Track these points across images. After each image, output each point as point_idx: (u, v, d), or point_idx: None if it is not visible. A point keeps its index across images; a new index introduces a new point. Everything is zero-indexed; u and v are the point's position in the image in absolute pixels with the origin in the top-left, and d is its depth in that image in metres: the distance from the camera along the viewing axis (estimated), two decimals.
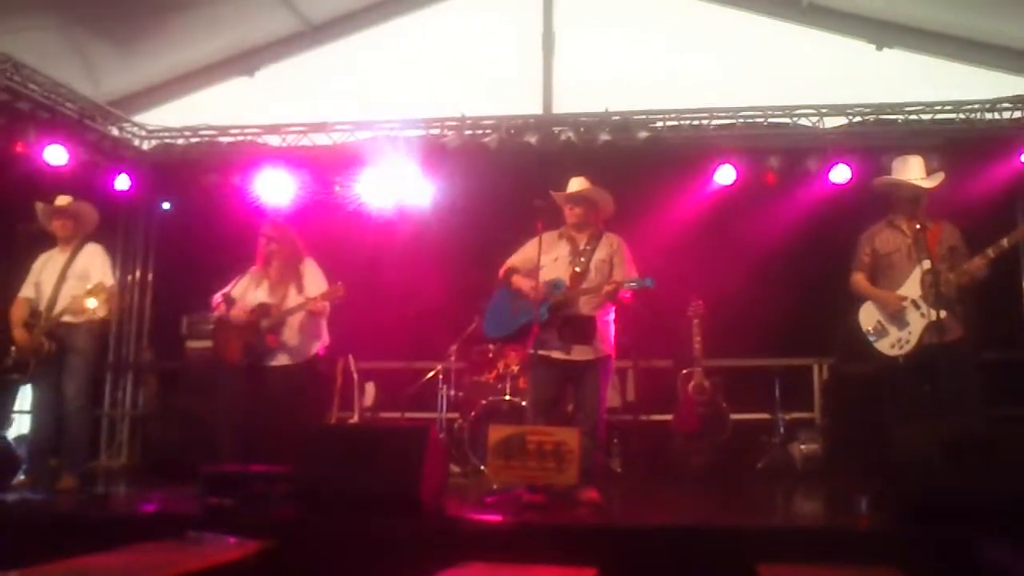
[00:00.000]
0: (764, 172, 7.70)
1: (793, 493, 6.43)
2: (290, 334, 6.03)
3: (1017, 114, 7.58)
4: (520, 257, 5.71)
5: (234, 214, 7.83)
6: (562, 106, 8.41)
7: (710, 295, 7.34)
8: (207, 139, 8.61)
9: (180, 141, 8.69)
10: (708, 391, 7.25)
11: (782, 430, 7.56)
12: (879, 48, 8.11)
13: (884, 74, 8.01)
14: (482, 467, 6.71)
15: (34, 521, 4.63)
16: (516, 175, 7.68)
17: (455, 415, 7.60)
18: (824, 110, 7.76)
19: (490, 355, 7.55)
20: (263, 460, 4.95)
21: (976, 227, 5.59)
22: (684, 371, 7.34)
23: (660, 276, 5.33)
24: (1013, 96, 7.56)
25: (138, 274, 9.46)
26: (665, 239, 7.46)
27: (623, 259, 5.55)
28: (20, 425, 7.19)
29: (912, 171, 5.60)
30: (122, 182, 8.26)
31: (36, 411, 6.15)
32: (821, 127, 7.79)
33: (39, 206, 6.26)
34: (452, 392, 7.72)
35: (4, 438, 6.31)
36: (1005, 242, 5.18)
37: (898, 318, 5.36)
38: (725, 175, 7.75)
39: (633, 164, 7.58)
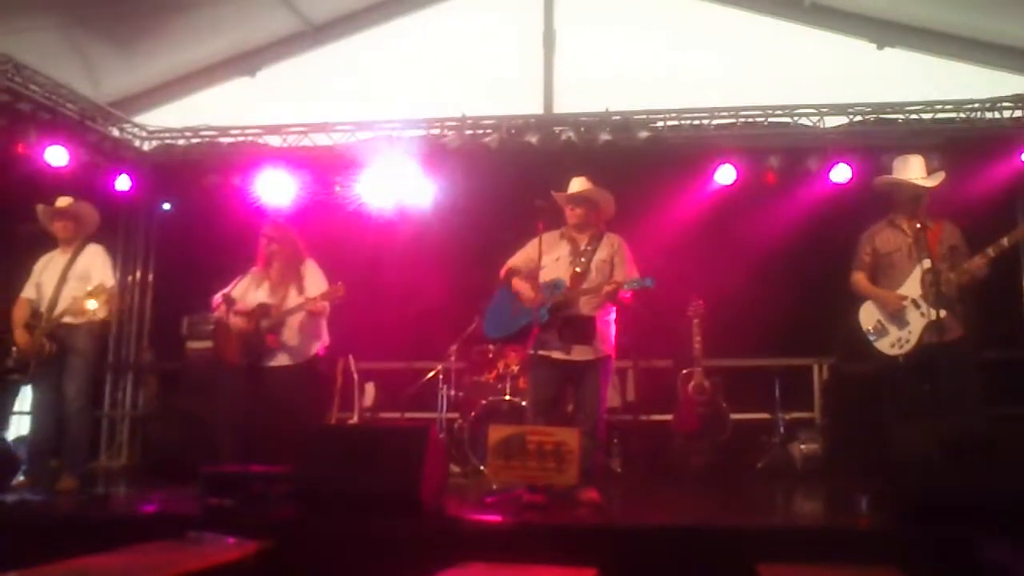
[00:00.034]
0: (765, 172, 7.70)
1: (793, 493, 6.43)
2: (290, 334, 6.03)
3: (1018, 113, 7.57)
4: (521, 257, 5.71)
5: (235, 215, 7.83)
6: (563, 106, 8.41)
7: (710, 295, 7.33)
8: (208, 140, 8.61)
9: (181, 142, 8.69)
10: (708, 391, 7.24)
11: (782, 430, 7.56)
12: (880, 47, 8.11)
13: (885, 73, 8.00)
14: (482, 467, 6.71)
15: (34, 522, 4.64)
16: (517, 175, 7.68)
17: (455, 415, 7.60)
18: (825, 109, 7.76)
19: (490, 355, 7.55)
20: (263, 460, 4.95)
21: (977, 226, 5.59)
22: (684, 371, 7.34)
23: (660, 276, 5.32)
24: (1013, 95, 7.55)
25: (138, 275, 9.47)
26: (665, 239, 7.46)
27: (624, 259, 5.55)
28: (20, 426, 7.19)
29: (913, 170, 5.60)
30: (123, 183, 8.27)
31: (36, 412, 6.15)
32: (822, 126, 7.79)
33: (40, 207, 6.27)
34: (452, 392, 7.72)
35: (4, 439, 6.32)
36: (1005, 241, 5.18)
37: (898, 317, 5.36)
38: (725, 175, 7.75)
39: (634, 164, 7.58)
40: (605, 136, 7.74)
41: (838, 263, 5.87)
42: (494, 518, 4.45)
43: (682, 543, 3.97)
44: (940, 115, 7.65)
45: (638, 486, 6.88)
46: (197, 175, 8.32)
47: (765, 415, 7.67)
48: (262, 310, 6.04)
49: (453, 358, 7.75)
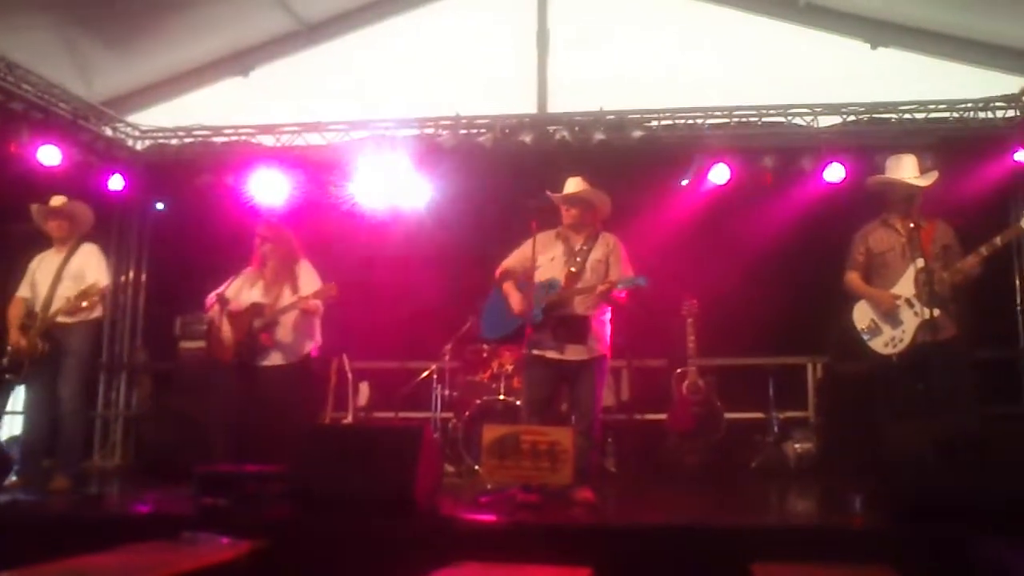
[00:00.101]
0: (758, 171, 7.71)
1: (787, 492, 6.43)
2: (283, 333, 6.02)
3: (1010, 113, 7.61)
4: (516, 258, 5.71)
5: (228, 214, 7.82)
6: (557, 105, 8.40)
7: (704, 294, 7.34)
8: (201, 139, 8.60)
9: (174, 141, 8.68)
10: (702, 390, 7.25)
11: (776, 429, 7.57)
12: (874, 47, 8.12)
13: (879, 73, 8.02)
14: (476, 467, 6.71)
15: (27, 522, 4.62)
16: (511, 174, 7.69)
17: (449, 415, 7.60)
18: (818, 109, 7.79)
19: (484, 355, 7.54)
20: (257, 460, 4.94)
21: (970, 225, 5.60)
22: (678, 370, 7.34)
23: (654, 275, 5.33)
24: (1006, 95, 7.59)
25: (132, 274, 9.44)
26: (659, 238, 7.46)
27: (619, 259, 5.55)
28: (12, 426, 7.17)
29: (906, 170, 5.60)
30: (116, 182, 8.26)
31: (30, 412, 6.13)
32: (815, 126, 7.82)
33: (34, 207, 6.25)
34: (446, 392, 7.72)
35: None
36: (998, 240, 5.19)
37: (892, 317, 5.37)
38: (719, 174, 7.76)
39: (627, 163, 7.59)
40: (599, 136, 7.75)
41: (832, 262, 5.87)
42: (488, 518, 4.44)
43: (677, 542, 3.97)
44: (933, 115, 7.69)
45: (632, 485, 6.88)
46: (190, 175, 8.32)
47: (759, 414, 7.68)
48: (255, 309, 6.02)
49: (447, 358, 7.75)
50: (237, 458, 5.22)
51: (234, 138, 8.55)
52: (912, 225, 5.33)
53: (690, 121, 7.98)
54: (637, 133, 7.78)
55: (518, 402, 6.82)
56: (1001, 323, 7.80)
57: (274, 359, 6.01)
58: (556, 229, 5.69)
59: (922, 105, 7.71)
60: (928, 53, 8.01)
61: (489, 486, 5.21)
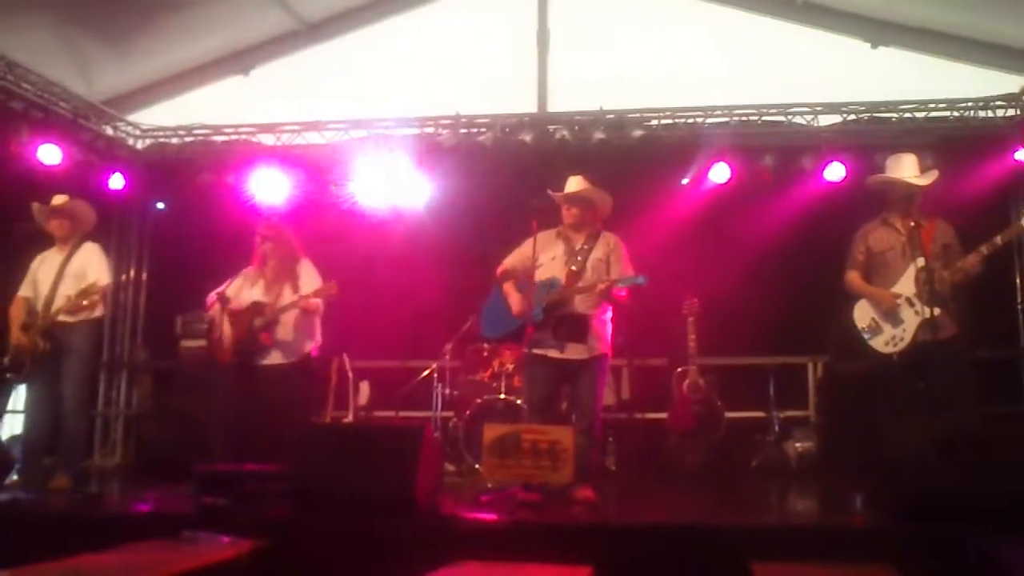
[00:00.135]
0: (759, 170, 7.71)
1: (788, 491, 6.43)
2: (284, 332, 6.02)
3: (1011, 112, 7.61)
4: (516, 257, 5.71)
5: (229, 213, 7.82)
6: (557, 104, 8.40)
7: (705, 293, 7.34)
8: (201, 138, 8.61)
9: (174, 140, 8.68)
10: (703, 389, 7.25)
11: (777, 428, 7.57)
12: (874, 46, 8.11)
13: (879, 72, 8.01)
14: (477, 466, 6.71)
15: (27, 521, 4.62)
16: (511, 174, 7.70)
17: (450, 414, 7.60)
18: (819, 108, 7.79)
19: (485, 354, 7.54)
20: (257, 459, 4.94)
21: (970, 224, 5.60)
22: (679, 369, 7.34)
23: (655, 274, 5.34)
24: (1006, 94, 7.59)
25: (132, 273, 9.44)
26: (660, 237, 7.46)
27: (620, 258, 5.55)
28: (13, 425, 7.17)
29: (906, 169, 5.60)
30: (116, 181, 8.26)
31: (31, 410, 6.13)
32: (816, 125, 7.82)
33: (36, 206, 6.24)
34: (447, 391, 7.72)
35: None
36: (999, 239, 5.19)
37: (892, 315, 5.37)
38: (720, 173, 7.76)
39: (628, 162, 7.58)
40: (599, 135, 7.75)
41: (832, 261, 5.87)
42: (489, 517, 4.44)
43: (677, 541, 3.97)
44: (933, 114, 7.69)
45: (633, 484, 6.88)
46: (191, 173, 8.32)
47: (760, 413, 7.68)
48: (256, 308, 6.02)
49: (448, 357, 7.75)
50: (237, 457, 5.22)
51: (234, 137, 8.55)
52: (912, 224, 5.33)
53: (690, 120, 7.98)
54: (637, 132, 7.77)
55: (519, 401, 6.83)
56: (1002, 322, 7.80)
57: (274, 358, 6.01)
58: (557, 228, 5.69)
59: (922, 104, 7.71)
60: (928, 52, 8.00)
61: (490, 485, 5.20)
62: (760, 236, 7.73)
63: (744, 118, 7.88)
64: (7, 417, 7.00)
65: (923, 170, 5.68)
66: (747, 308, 7.58)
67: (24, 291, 6.15)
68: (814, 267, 6.84)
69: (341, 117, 8.34)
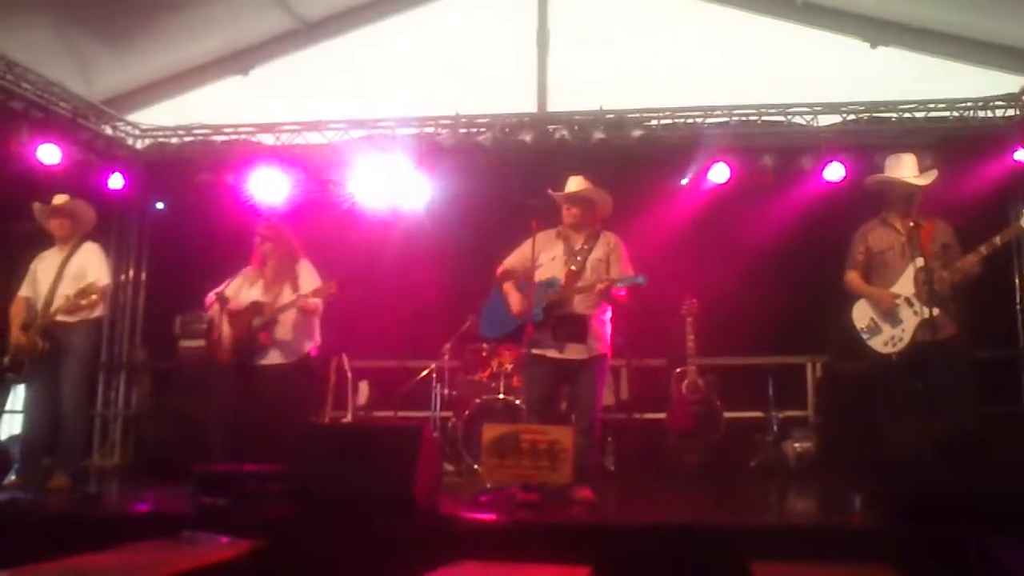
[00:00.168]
0: (758, 170, 7.71)
1: (787, 491, 6.43)
2: (283, 332, 6.02)
3: (1010, 112, 7.61)
4: (516, 258, 5.71)
5: (228, 213, 7.82)
6: (557, 104, 8.40)
7: (704, 293, 7.33)
8: (201, 138, 8.61)
9: (174, 140, 8.69)
10: (702, 389, 7.25)
11: (776, 428, 7.57)
12: (873, 46, 8.11)
13: (878, 72, 8.01)
14: (476, 466, 6.71)
15: (26, 520, 4.62)
16: (510, 173, 7.69)
17: (449, 414, 7.60)
18: (818, 108, 7.79)
19: (484, 354, 7.54)
20: (256, 459, 4.94)
21: (969, 225, 5.60)
22: (678, 369, 7.34)
23: (654, 274, 5.33)
24: (1006, 94, 7.60)
25: (131, 273, 9.45)
26: (659, 237, 7.46)
27: (620, 258, 5.55)
28: (12, 425, 7.17)
29: (905, 169, 5.60)
30: (116, 181, 8.26)
31: (30, 410, 6.12)
32: (815, 125, 7.82)
33: (36, 205, 6.23)
34: (446, 391, 7.72)
35: None
36: (998, 240, 5.18)
37: (891, 316, 5.37)
38: (719, 173, 7.76)
39: (627, 162, 7.59)
40: (599, 135, 7.76)
41: (831, 261, 5.87)
42: (488, 517, 4.44)
43: (676, 541, 3.97)
44: (933, 114, 7.70)
45: (632, 484, 6.88)
46: (190, 173, 8.33)
47: (759, 413, 7.68)
48: (255, 308, 6.02)
49: (447, 357, 7.75)
50: (236, 457, 5.22)
51: (234, 137, 8.55)
52: (912, 224, 5.32)
53: (690, 120, 7.98)
54: (637, 132, 7.78)
55: (518, 401, 6.83)
56: (1001, 322, 7.80)
57: (273, 358, 6.01)
58: (556, 228, 5.69)
59: (922, 104, 7.71)
60: (928, 52, 8.00)
61: (489, 485, 5.20)
62: (759, 236, 7.73)
63: (744, 118, 7.89)
64: (6, 417, 7.00)
65: (922, 170, 5.68)
66: (746, 308, 7.57)
67: (24, 291, 6.15)
68: (813, 267, 6.84)
69: (341, 117, 8.35)
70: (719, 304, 7.42)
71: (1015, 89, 7.56)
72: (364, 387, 7.97)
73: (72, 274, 6.01)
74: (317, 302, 5.97)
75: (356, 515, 4.25)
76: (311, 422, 6.72)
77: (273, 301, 6.02)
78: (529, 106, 8.42)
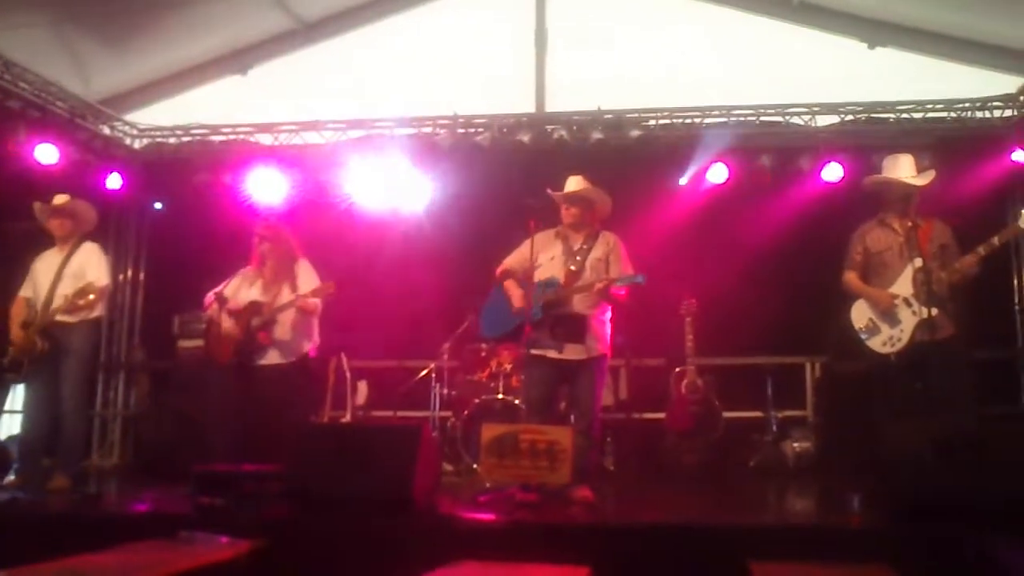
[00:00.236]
0: (757, 170, 7.72)
1: (785, 491, 6.43)
2: (282, 332, 6.01)
3: (1008, 113, 7.62)
4: (515, 258, 5.71)
5: (226, 213, 7.82)
6: (555, 105, 8.40)
7: (703, 293, 7.33)
8: (199, 138, 8.61)
9: (172, 140, 8.69)
10: (701, 389, 7.25)
11: (775, 428, 7.57)
12: (871, 47, 8.11)
13: (876, 73, 8.02)
14: (475, 466, 6.71)
15: (25, 521, 4.62)
16: (509, 174, 7.70)
17: (448, 414, 7.60)
18: (816, 109, 7.80)
19: (483, 354, 7.54)
20: (255, 459, 4.93)
21: (967, 225, 5.60)
22: (677, 369, 7.34)
23: (653, 274, 5.34)
24: (1004, 95, 7.61)
25: (130, 273, 9.45)
26: (657, 237, 7.45)
27: (619, 257, 5.55)
28: (11, 425, 7.17)
29: (903, 169, 5.60)
30: (113, 181, 8.26)
31: (29, 410, 6.12)
32: (813, 126, 7.83)
33: (37, 205, 6.22)
34: (445, 391, 7.72)
35: None
36: (996, 240, 5.19)
37: (890, 316, 5.37)
38: (717, 173, 7.77)
39: (625, 162, 7.59)
40: (597, 135, 7.77)
41: (830, 262, 5.87)
42: (487, 517, 4.44)
43: (675, 541, 3.97)
44: (931, 114, 7.71)
45: (631, 484, 6.88)
46: (188, 173, 8.33)
47: (758, 413, 7.69)
48: (253, 308, 6.02)
49: (446, 356, 7.75)
50: (235, 457, 5.21)
51: (232, 137, 8.55)
52: (909, 224, 5.33)
53: (688, 121, 7.99)
54: (635, 132, 7.79)
55: (517, 401, 6.83)
56: (999, 323, 7.81)
57: (272, 358, 6.01)
58: (556, 228, 5.69)
59: (920, 105, 7.72)
60: (926, 53, 8.01)
61: (488, 485, 5.20)
62: (758, 236, 7.73)
63: (742, 118, 7.89)
64: (6, 417, 7.00)
65: (920, 170, 5.68)
66: (745, 308, 7.57)
67: (25, 291, 6.14)
68: (812, 267, 6.85)
69: (339, 117, 8.35)
70: (718, 304, 7.42)
71: (1013, 89, 7.57)
72: (363, 387, 7.97)
73: (72, 274, 6.01)
74: (316, 302, 5.97)
75: (355, 515, 4.25)
76: (310, 422, 6.72)
77: (272, 301, 6.02)
78: (527, 106, 8.42)
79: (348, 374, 7.74)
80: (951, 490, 3.86)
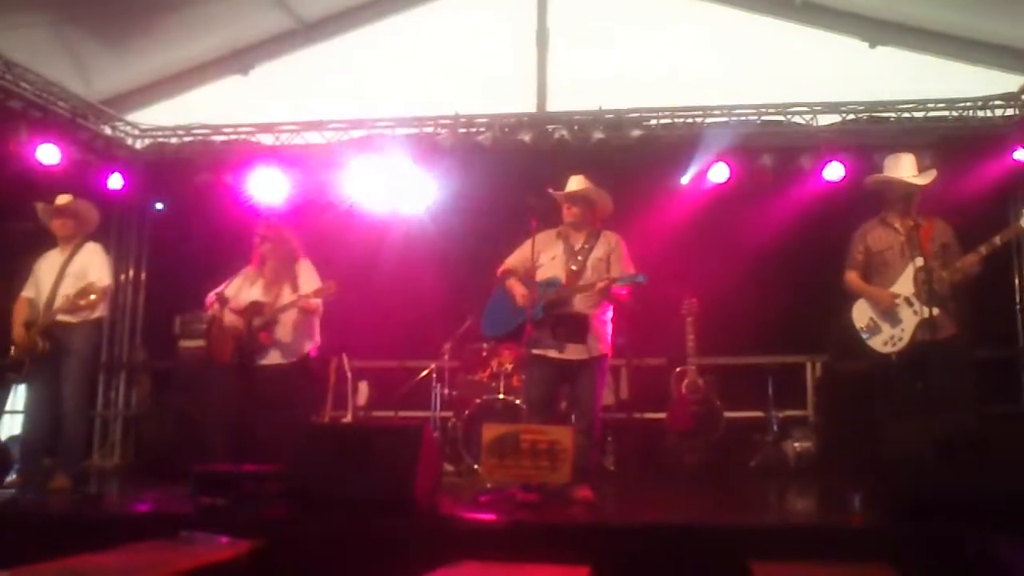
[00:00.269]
0: (758, 170, 7.71)
1: (786, 491, 6.43)
2: (283, 332, 6.02)
3: (1009, 112, 7.62)
4: (517, 257, 5.70)
5: (228, 213, 7.82)
6: (556, 104, 8.40)
7: (704, 293, 7.33)
8: (200, 138, 8.61)
9: (173, 140, 8.69)
10: (701, 389, 7.25)
11: (775, 428, 7.57)
12: (872, 46, 8.11)
13: (878, 72, 8.01)
14: (476, 466, 6.71)
15: (26, 521, 4.61)
16: (510, 173, 7.69)
17: (449, 414, 7.60)
18: (817, 108, 7.80)
19: (484, 354, 7.54)
20: (256, 459, 4.94)
21: (969, 224, 5.59)
22: (678, 369, 7.34)
23: (654, 273, 5.33)
24: (1005, 94, 7.61)
25: (131, 273, 9.45)
26: (658, 237, 7.44)
27: (620, 257, 5.54)
28: (13, 425, 7.17)
29: (904, 168, 5.60)
30: (115, 181, 8.26)
31: (30, 410, 6.12)
32: (814, 125, 7.82)
33: (39, 205, 6.23)
34: (446, 391, 7.72)
35: None
36: (998, 239, 5.18)
37: (891, 315, 5.36)
38: (719, 173, 7.77)
39: (627, 162, 7.59)
40: (598, 134, 7.77)
41: (831, 261, 5.87)
42: (488, 517, 4.44)
43: (676, 541, 3.96)
44: (932, 113, 7.70)
45: (632, 484, 6.88)
46: (190, 173, 8.33)
47: (758, 413, 7.68)
48: (255, 308, 6.02)
49: (447, 357, 7.75)
50: (236, 457, 5.21)
51: (233, 137, 8.56)
52: (911, 224, 5.32)
53: (689, 120, 7.99)
54: (636, 132, 7.79)
55: (518, 401, 6.84)
56: (1000, 322, 7.80)
57: (273, 358, 6.01)
58: (557, 228, 5.69)
59: (921, 104, 7.72)
60: (927, 52, 8.00)
61: (489, 485, 5.20)
62: (759, 236, 7.72)
63: (743, 118, 7.89)
64: (6, 417, 7.00)
65: (922, 169, 5.68)
66: (746, 308, 7.57)
67: (27, 292, 6.14)
68: (813, 267, 6.84)
69: (340, 117, 8.35)
70: (719, 304, 7.41)
71: (1014, 88, 7.57)
72: (364, 387, 7.97)
73: (73, 274, 6.01)
74: (317, 302, 5.97)
75: (356, 515, 4.24)
76: (311, 422, 6.72)
77: (273, 301, 6.03)
78: (528, 106, 8.42)
79: (349, 374, 7.75)
80: (952, 489, 3.86)
